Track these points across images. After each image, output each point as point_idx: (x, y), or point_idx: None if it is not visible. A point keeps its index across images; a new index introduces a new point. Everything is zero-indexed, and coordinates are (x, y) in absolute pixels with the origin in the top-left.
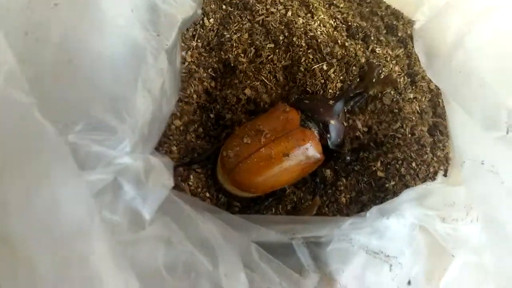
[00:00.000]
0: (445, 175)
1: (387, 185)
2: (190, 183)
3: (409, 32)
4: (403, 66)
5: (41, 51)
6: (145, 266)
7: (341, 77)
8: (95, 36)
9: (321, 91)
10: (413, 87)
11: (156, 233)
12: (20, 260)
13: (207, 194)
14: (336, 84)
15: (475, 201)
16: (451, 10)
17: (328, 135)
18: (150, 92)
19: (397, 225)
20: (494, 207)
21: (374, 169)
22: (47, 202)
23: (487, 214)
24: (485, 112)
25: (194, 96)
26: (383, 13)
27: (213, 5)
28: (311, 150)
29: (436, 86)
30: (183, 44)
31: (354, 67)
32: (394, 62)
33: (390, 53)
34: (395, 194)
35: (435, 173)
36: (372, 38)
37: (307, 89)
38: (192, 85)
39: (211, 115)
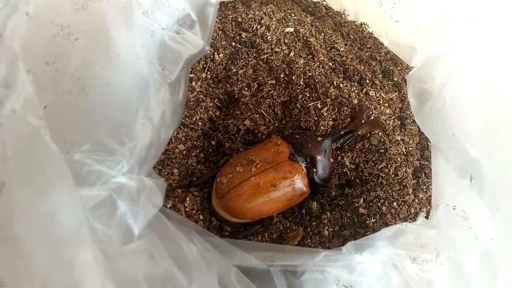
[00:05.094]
0: (426, 217)
1: (368, 222)
2: (186, 204)
3: (405, 77)
4: (394, 109)
5: (59, 80)
6: (128, 276)
7: (333, 116)
8: (107, 67)
9: (314, 128)
10: (402, 130)
11: (142, 248)
12: (20, 257)
13: (201, 217)
14: (328, 122)
15: (444, 244)
16: (436, 61)
17: (315, 170)
18: (150, 120)
19: (369, 262)
20: (461, 252)
21: (357, 205)
22: (45, 211)
23: (453, 258)
24: (458, 160)
25: (200, 123)
26: (382, 58)
27: (224, 42)
28: (298, 183)
29: None
30: (193, 75)
31: (346, 107)
32: (386, 105)
33: (384, 96)
34: (375, 231)
35: (416, 214)
36: (368, 81)
37: (301, 124)
38: (199, 113)
39: (213, 142)
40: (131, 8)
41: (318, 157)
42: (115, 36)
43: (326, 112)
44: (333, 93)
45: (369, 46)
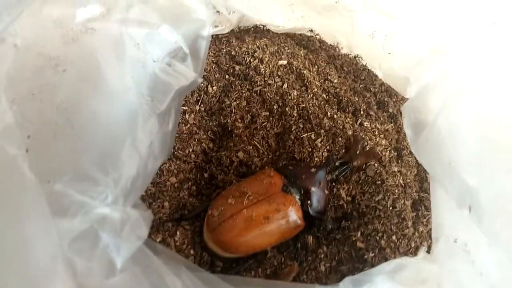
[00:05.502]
0: (428, 251)
1: (366, 256)
2: (176, 238)
3: (400, 108)
4: (390, 140)
5: (44, 110)
6: None
7: (328, 147)
8: (95, 98)
9: (308, 159)
10: (399, 161)
11: (124, 282)
12: None
13: (192, 252)
14: (322, 153)
15: (446, 279)
16: (430, 91)
17: (309, 202)
18: (137, 150)
19: None
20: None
21: (354, 239)
22: (18, 243)
23: None
24: (456, 189)
25: (192, 155)
26: (376, 90)
27: (217, 74)
28: (292, 215)
29: None
30: (186, 108)
31: (340, 138)
32: (382, 136)
33: (379, 127)
34: (373, 266)
35: (417, 248)
36: (362, 112)
37: (295, 156)
38: (191, 145)
39: (205, 175)
40: (122, 40)
41: (312, 189)
42: (104, 68)
43: (320, 143)
44: (327, 124)
45: (363, 78)
